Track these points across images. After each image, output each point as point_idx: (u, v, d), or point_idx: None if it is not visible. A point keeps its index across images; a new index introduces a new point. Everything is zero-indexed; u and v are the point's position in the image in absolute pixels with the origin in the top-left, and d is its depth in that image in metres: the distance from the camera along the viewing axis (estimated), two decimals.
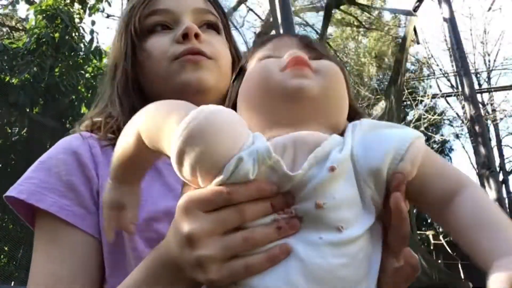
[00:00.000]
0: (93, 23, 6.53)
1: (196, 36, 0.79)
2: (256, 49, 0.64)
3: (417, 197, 0.52)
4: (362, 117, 0.57)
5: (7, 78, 5.36)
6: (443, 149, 16.16)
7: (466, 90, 5.67)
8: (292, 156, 0.49)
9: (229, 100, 0.64)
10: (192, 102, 0.68)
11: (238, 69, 0.66)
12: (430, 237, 9.86)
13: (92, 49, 5.89)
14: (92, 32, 6.09)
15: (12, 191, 0.74)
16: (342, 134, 0.54)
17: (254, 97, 0.57)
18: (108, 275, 0.73)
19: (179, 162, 0.48)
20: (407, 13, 7.02)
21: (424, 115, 11.04)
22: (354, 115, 0.60)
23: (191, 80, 0.78)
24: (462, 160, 27.21)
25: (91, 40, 5.96)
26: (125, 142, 0.58)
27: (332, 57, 0.64)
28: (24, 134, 5.49)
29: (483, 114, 9.02)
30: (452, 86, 15.63)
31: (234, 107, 0.61)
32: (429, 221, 15.39)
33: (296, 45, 0.61)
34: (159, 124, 0.52)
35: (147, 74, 0.82)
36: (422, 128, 11.17)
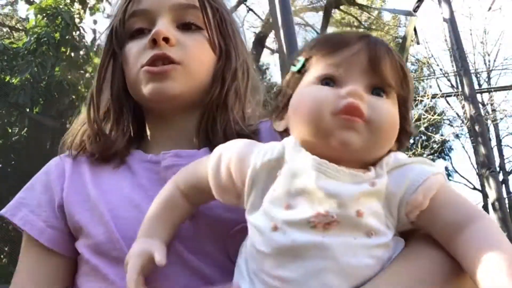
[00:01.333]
0: (95, 22, 6.54)
1: (166, 40, 0.77)
2: (321, 50, 0.61)
3: (427, 225, 0.57)
4: (404, 143, 0.63)
5: (7, 78, 5.36)
6: (443, 149, 16.16)
7: (466, 90, 5.66)
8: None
9: (283, 95, 0.65)
10: (160, 108, 0.81)
11: (299, 66, 0.63)
12: None
13: (95, 48, 5.89)
14: (95, 31, 6.09)
15: (4, 209, 0.83)
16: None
17: (303, 126, 0.58)
18: None
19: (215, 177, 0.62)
20: (407, 13, 7.01)
21: (424, 115, 11.03)
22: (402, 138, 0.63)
23: (154, 91, 0.78)
24: (462, 160, 27.12)
25: (94, 39, 5.96)
26: (161, 202, 0.67)
27: (406, 81, 0.61)
28: (24, 134, 5.50)
29: (483, 114, 9.01)
30: (452, 86, 15.63)
31: (288, 100, 0.63)
32: None
33: (363, 70, 0.58)
34: (195, 168, 0.66)
35: (126, 78, 0.84)
36: (422, 128, 11.16)
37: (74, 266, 0.79)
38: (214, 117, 0.79)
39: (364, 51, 0.58)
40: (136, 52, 0.80)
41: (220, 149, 0.64)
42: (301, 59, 0.63)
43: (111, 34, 0.85)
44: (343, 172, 0.55)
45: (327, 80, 0.58)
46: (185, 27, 0.82)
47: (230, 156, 0.61)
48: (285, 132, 0.63)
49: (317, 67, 0.60)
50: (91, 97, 0.87)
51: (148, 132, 0.87)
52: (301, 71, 0.62)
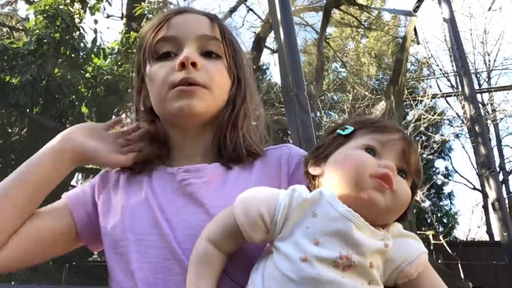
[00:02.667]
0: (95, 22, 6.53)
1: (193, 64, 0.88)
2: (369, 127, 0.76)
3: None
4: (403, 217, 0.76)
5: (7, 78, 5.36)
6: (443, 149, 16.16)
7: (466, 90, 5.66)
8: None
9: (325, 148, 0.78)
10: (185, 123, 0.92)
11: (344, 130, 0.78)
12: (430, 237, 9.84)
13: (95, 48, 5.88)
14: (95, 31, 6.08)
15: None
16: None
17: (344, 179, 0.70)
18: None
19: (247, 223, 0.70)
20: (407, 14, 7.01)
21: (424, 115, 11.03)
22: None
23: (184, 107, 0.88)
24: (462, 160, 27.12)
25: (95, 39, 5.95)
26: (197, 259, 0.73)
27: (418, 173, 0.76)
28: (24, 134, 5.50)
29: (483, 114, 9.01)
30: (452, 86, 15.64)
31: (327, 154, 0.77)
32: (429, 221, 15.40)
33: (398, 154, 0.73)
34: (222, 218, 0.74)
35: (151, 95, 0.94)
36: (422, 128, 11.16)
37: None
38: (225, 135, 0.92)
39: (402, 142, 0.74)
40: (165, 73, 0.90)
41: (244, 196, 0.73)
42: (350, 127, 0.77)
43: (141, 53, 0.96)
44: (368, 227, 0.67)
45: (369, 150, 0.73)
46: (206, 55, 0.93)
47: (258, 200, 0.71)
48: (316, 177, 0.76)
49: (363, 138, 0.75)
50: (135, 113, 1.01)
51: (171, 148, 0.97)
52: (347, 137, 0.76)
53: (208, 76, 0.90)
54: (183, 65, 0.88)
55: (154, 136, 0.95)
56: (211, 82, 0.90)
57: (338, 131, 0.78)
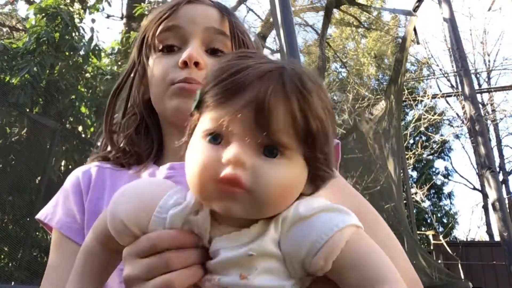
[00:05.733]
0: (93, 21, 6.53)
1: (196, 64, 0.84)
2: (212, 94, 0.53)
3: (336, 281, 0.52)
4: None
5: (7, 78, 5.36)
6: (443, 149, 16.17)
7: (466, 90, 5.66)
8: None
9: (182, 144, 0.61)
10: (181, 123, 0.76)
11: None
12: (430, 237, 9.84)
13: (91, 47, 5.87)
14: (92, 30, 6.07)
15: (39, 214, 0.90)
16: None
17: (191, 188, 0.55)
18: None
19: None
20: (407, 13, 7.02)
21: (424, 115, 11.03)
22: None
23: (181, 107, 0.83)
24: (462, 160, 27.15)
25: (91, 38, 5.94)
26: (80, 252, 0.65)
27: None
28: (24, 134, 5.49)
29: (483, 114, 9.01)
30: (452, 86, 15.64)
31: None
32: (429, 221, 15.39)
33: (252, 126, 0.50)
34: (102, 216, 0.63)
35: (151, 88, 0.90)
36: (422, 128, 11.16)
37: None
38: None
39: (255, 101, 0.50)
40: (166, 68, 0.86)
41: (117, 195, 0.61)
42: (198, 94, 0.56)
43: (142, 43, 0.91)
44: (226, 237, 0.54)
45: (214, 137, 0.53)
46: (212, 52, 0.87)
47: (130, 205, 0.58)
48: None
49: (208, 115, 0.54)
50: (110, 105, 0.94)
51: (164, 146, 0.93)
52: (199, 109, 0.56)
53: None
54: (185, 64, 0.84)
55: (148, 131, 0.92)
56: None
57: (194, 99, 0.57)
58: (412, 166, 14.31)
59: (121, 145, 0.92)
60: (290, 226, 0.53)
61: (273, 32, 10.23)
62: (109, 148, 0.93)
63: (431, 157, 15.93)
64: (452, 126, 16.55)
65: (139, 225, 0.56)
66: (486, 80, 17.07)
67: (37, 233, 5.03)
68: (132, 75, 0.95)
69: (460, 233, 18.62)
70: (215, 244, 0.54)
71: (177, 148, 0.87)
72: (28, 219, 4.88)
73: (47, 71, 5.47)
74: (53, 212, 0.88)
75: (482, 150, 5.22)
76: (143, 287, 0.55)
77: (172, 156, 0.88)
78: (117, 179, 0.87)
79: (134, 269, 0.56)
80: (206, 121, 0.54)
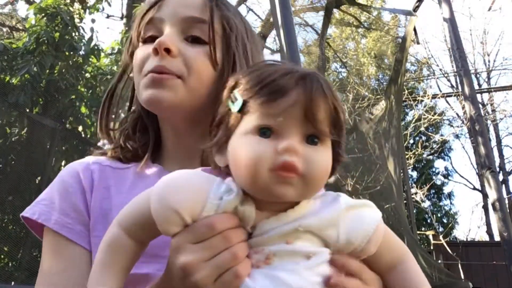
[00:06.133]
0: (93, 21, 6.53)
1: (168, 51, 0.79)
2: (258, 97, 0.60)
3: (369, 263, 0.66)
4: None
5: (7, 78, 5.36)
6: (443, 149, 16.16)
7: (466, 90, 5.66)
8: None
9: (225, 133, 0.64)
10: (163, 117, 0.84)
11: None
12: (430, 237, 9.84)
13: (91, 47, 5.87)
14: (92, 30, 6.07)
15: (27, 212, 0.84)
16: None
17: (242, 179, 0.61)
18: None
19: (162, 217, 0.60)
20: (407, 13, 7.01)
21: (424, 115, 11.02)
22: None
23: (151, 98, 0.80)
24: (462, 160, 27.11)
25: (90, 38, 5.94)
26: (105, 245, 0.66)
27: (341, 124, 0.64)
28: (24, 134, 5.49)
29: (483, 114, 9.01)
30: (452, 86, 15.64)
31: (228, 138, 0.64)
32: (429, 221, 15.39)
33: (300, 120, 0.60)
34: (137, 204, 0.65)
35: (135, 83, 0.88)
36: (422, 128, 11.15)
37: None
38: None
39: (301, 101, 0.60)
40: (142, 58, 0.83)
41: (167, 182, 0.62)
42: (239, 98, 0.62)
43: (130, 37, 0.90)
44: (274, 218, 0.61)
45: (264, 130, 0.60)
46: (194, 40, 0.83)
47: (182, 193, 0.61)
48: (227, 168, 0.64)
49: (256, 114, 0.61)
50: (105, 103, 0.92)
51: (164, 145, 0.91)
52: (241, 111, 0.62)
53: (184, 65, 0.80)
54: (156, 51, 0.79)
55: (145, 128, 0.90)
56: (188, 72, 0.80)
57: (229, 103, 0.64)
58: (412, 166, 14.31)
59: (119, 141, 0.90)
60: (348, 210, 0.63)
61: (273, 32, 10.24)
62: (106, 145, 0.92)
63: (431, 157, 15.92)
64: (452, 126, 16.56)
65: (193, 213, 0.60)
66: (486, 80, 17.08)
67: None
68: (129, 73, 0.94)
69: (460, 233, 18.63)
70: (263, 226, 0.61)
71: (174, 147, 0.88)
72: None
73: (47, 71, 5.47)
74: (48, 211, 0.82)
75: (482, 150, 5.22)
76: (207, 267, 0.57)
77: (167, 157, 0.88)
78: (121, 178, 0.85)
79: (195, 253, 0.58)
80: (255, 118, 0.61)
